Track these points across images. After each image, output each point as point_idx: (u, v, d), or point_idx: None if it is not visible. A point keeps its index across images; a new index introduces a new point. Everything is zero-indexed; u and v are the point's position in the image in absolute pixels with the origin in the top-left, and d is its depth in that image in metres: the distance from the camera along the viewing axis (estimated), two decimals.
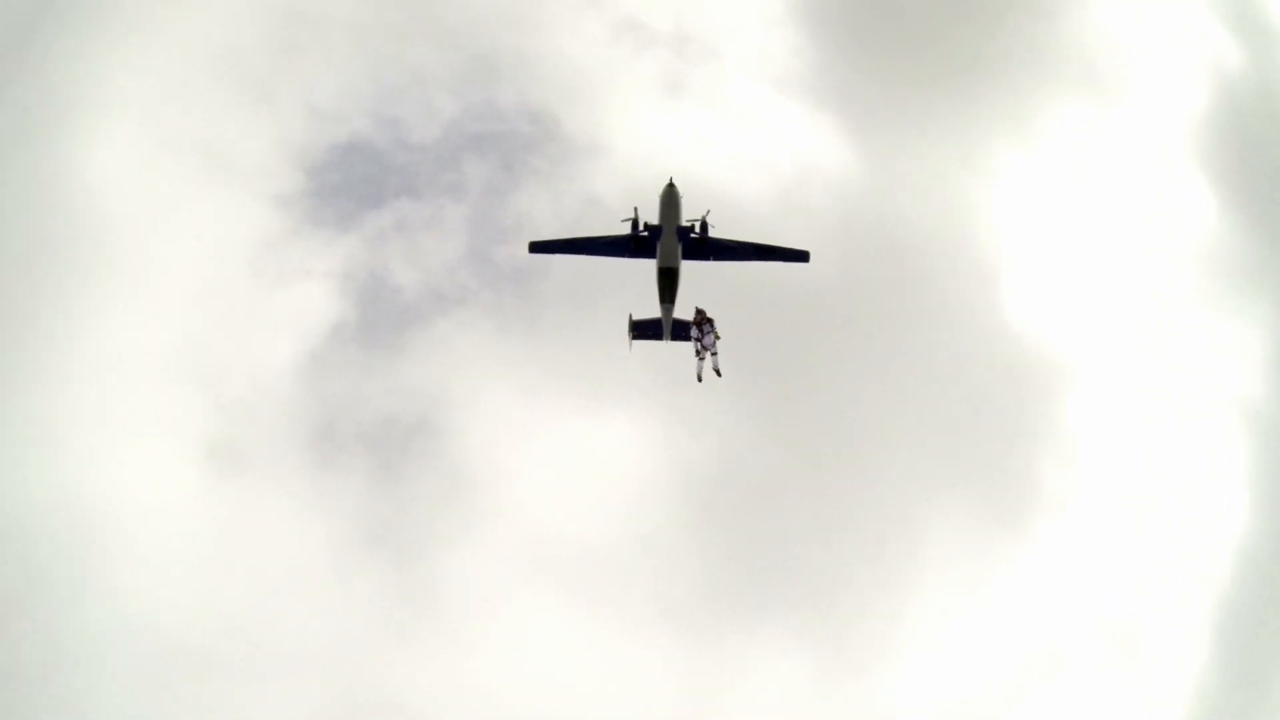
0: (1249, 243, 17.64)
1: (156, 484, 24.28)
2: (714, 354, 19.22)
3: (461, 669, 23.93)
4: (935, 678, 25.69)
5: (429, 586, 24.86)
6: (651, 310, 20.00)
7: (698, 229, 18.64)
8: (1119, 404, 25.54)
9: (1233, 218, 17.31)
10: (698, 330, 19.49)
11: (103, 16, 28.43)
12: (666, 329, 20.13)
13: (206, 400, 25.56)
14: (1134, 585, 25.59)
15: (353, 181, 29.91)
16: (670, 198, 18.49)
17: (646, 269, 19.50)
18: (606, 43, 29.32)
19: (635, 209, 18.71)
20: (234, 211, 26.85)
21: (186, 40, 28.95)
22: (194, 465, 25.09)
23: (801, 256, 19.43)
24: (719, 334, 19.45)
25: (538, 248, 19.81)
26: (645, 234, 18.80)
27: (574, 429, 27.11)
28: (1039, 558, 26.30)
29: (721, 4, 29.42)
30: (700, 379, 19.13)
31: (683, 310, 19.88)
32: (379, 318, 28.69)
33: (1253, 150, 18.08)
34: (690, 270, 19.31)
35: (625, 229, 18.74)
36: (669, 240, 18.76)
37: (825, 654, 24.01)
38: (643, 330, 20.57)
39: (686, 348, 19.67)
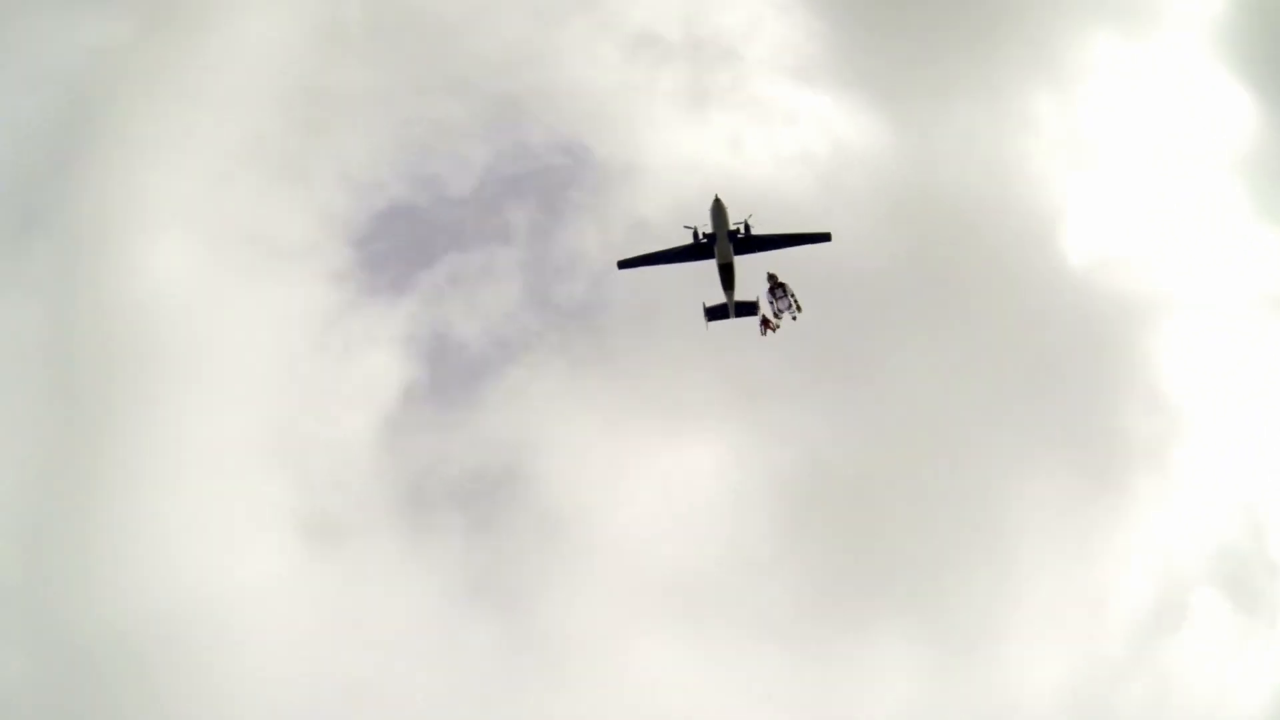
0: None
1: (261, 568, 24.90)
2: (793, 307, 21.06)
3: (578, 710, 23.98)
4: (1055, 651, 24.92)
5: (537, 631, 25.00)
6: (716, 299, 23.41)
7: (743, 230, 22.15)
8: (1197, 337, 24.52)
9: (1274, 114, 16.48)
10: (771, 295, 22.38)
11: (133, 129, 29.45)
12: (731, 309, 23.69)
13: (297, 479, 26.20)
14: (1246, 525, 24.52)
15: (400, 245, 30.58)
16: (719, 209, 21.95)
17: (707, 269, 22.68)
18: (623, 63, 29.44)
19: (696, 228, 21.92)
20: (291, 293, 27.56)
21: (216, 136, 29.81)
22: (294, 544, 25.72)
23: (823, 238, 22.18)
24: (798, 302, 22.09)
25: (626, 264, 22.90)
26: (705, 240, 22.33)
27: (657, 455, 27.12)
28: (1142, 510, 25.40)
29: (728, 1, 29.33)
30: (767, 328, 20.36)
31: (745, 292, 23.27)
32: (449, 374, 29.19)
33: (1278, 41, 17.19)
34: (743, 262, 22.70)
35: (688, 237, 22.25)
36: (723, 243, 22.49)
37: (940, 648, 23.45)
38: (714, 314, 23.96)
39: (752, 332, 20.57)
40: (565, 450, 27.03)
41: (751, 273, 23.39)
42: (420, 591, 25.42)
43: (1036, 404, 26.00)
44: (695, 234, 22.17)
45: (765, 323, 23.81)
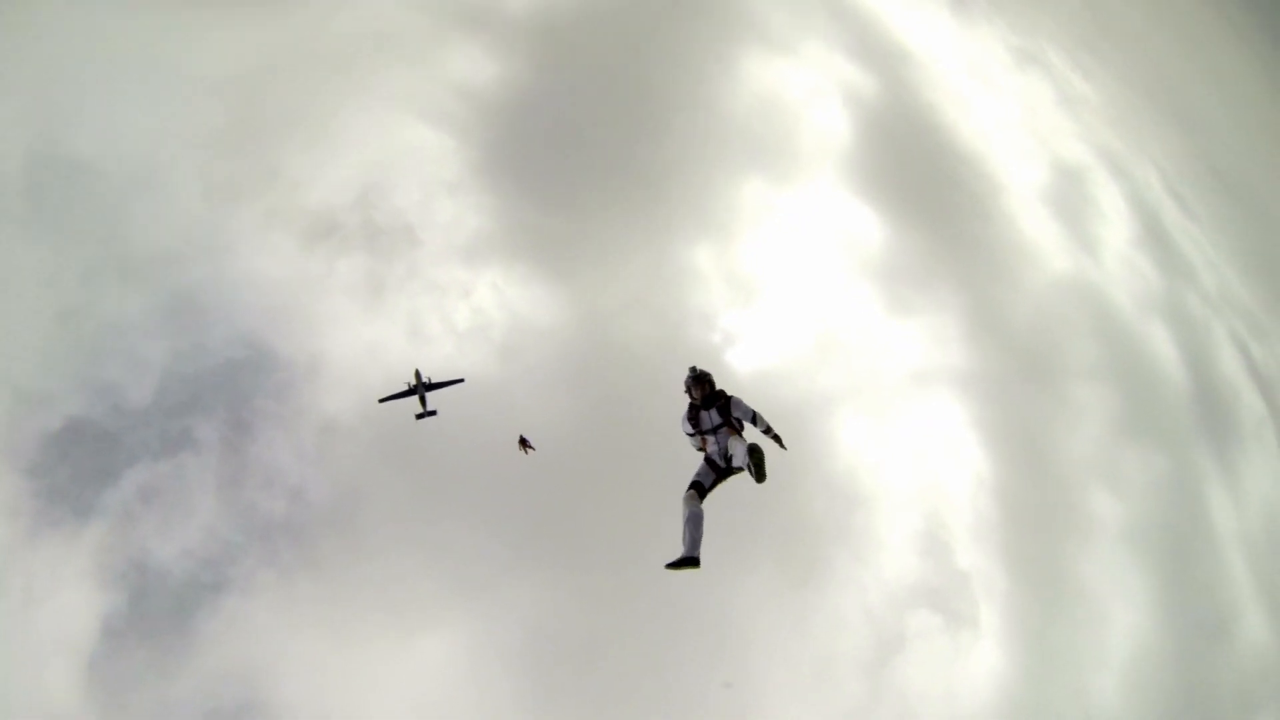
0: (918, 244, 18.61)
1: None
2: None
3: None
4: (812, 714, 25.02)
5: None
6: None
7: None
8: (859, 419, 26.16)
9: (897, 227, 18.43)
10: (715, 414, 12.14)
11: None
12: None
13: None
14: (931, 550, 25.95)
15: (81, 470, 25.19)
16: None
17: None
18: (300, 254, 27.41)
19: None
20: None
21: None
22: None
23: (458, 381, 22.89)
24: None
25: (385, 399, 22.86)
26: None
27: (390, 654, 24.14)
28: (845, 569, 26.40)
29: (401, 181, 28.76)
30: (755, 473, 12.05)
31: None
32: (153, 605, 23.70)
33: (902, 160, 19.17)
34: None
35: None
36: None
37: None
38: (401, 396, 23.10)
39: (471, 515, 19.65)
40: (296, 667, 23.07)
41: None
42: None
43: (742, 513, 26.13)
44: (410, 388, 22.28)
45: (523, 442, 21.75)
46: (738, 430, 9.44)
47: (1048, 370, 18.51)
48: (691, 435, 9.61)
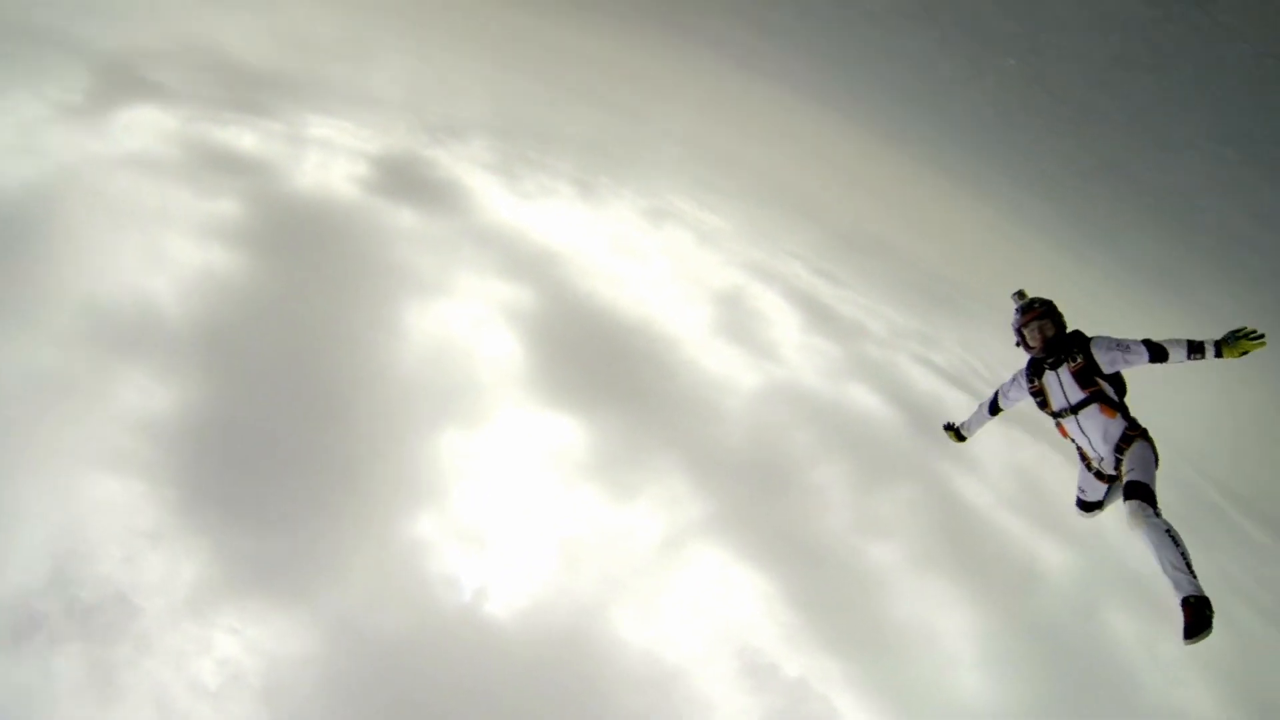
0: (619, 427, 19.41)
1: None
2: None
3: None
4: None
5: None
6: None
7: None
8: (640, 612, 26.27)
9: (594, 419, 19.14)
10: (1070, 377, 5.66)
11: None
12: None
13: None
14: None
15: None
16: None
17: None
18: (4, 664, 22.01)
19: None
20: None
21: None
22: None
23: None
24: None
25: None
26: None
27: None
28: None
29: (97, 545, 24.95)
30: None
31: None
32: None
33: (577, 355, 20.16)
34: None
35: None
36: None
37: None
38: None
39: None
40: None
41: None
42: None
43: None
44: None
45: None
46: (1116, 402, 5.23)
47: (780, 474, 19.70)
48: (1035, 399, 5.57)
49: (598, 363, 20.48)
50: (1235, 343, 4.72)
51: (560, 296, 22.89)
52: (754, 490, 20.23)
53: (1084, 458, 5.53)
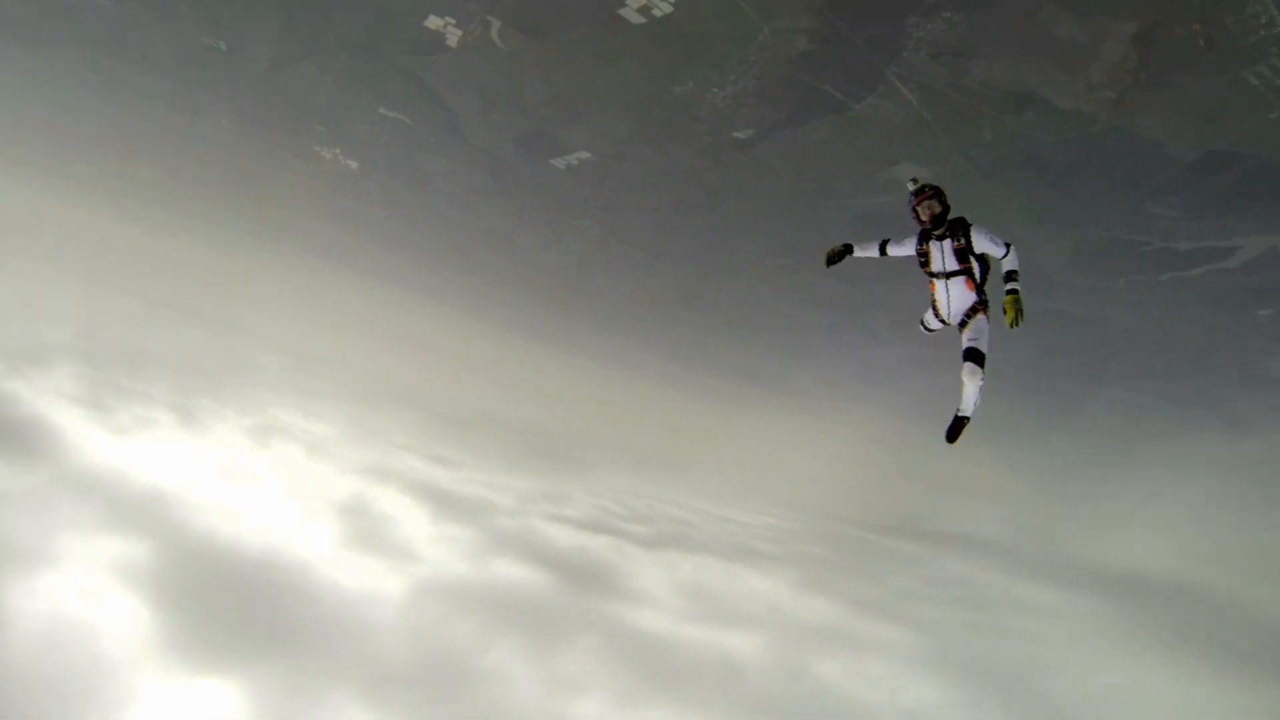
0: (269, 676, 19.20)
1: None
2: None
3: None
4: None
5: None
6: None
7: None
8: None
9: (244, 672, 18.17)
10: (950, 250, 7.14)
11: None
12: None
13: None
14: None
15: None
16: None
17: None
18: None
19: None
20: None
21: None
22: None
23: None
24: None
25: None
26: None
27: None
28: None
29: None
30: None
31: None
32: None
33: (211, 603, 19.98)
34: None
35: None
36: None
37: None
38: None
39: None
40: None
41: None
42: None
43: None
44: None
45: None
46: (978, 281, 6.84)
47: (455, 671, 20.32)
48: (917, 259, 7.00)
49: (235, 608, 20.00)
50: (1014, 307, 6.31)
51: (178, 543, 21.74)
52: (436, 698, 20.55)
53: (935, 308, 7.11)
